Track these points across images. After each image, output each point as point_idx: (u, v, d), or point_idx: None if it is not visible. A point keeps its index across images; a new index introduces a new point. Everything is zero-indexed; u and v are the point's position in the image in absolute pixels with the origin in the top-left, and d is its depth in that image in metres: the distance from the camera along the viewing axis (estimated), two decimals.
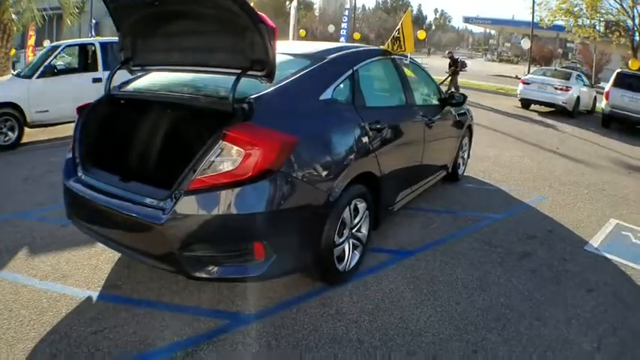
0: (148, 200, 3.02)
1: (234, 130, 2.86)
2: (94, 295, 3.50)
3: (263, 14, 3.02)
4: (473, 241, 4.81)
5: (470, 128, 6.97)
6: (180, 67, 3.69)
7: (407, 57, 5.10)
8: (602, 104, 15.50)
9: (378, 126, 3.94)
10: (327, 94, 3.59)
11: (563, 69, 22.38)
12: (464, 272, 4.11)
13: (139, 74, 4.10)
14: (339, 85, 3.74)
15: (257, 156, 2.83)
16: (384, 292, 3.68)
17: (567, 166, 8.86)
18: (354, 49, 4.42)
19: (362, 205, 3.78)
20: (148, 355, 2.84)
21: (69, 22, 14.24)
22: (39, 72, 8.44)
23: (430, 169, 5.47)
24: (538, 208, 6.08)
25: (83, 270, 3.84)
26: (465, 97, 5.93)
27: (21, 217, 4.89)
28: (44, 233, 4.50)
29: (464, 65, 15.58)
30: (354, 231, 3.75)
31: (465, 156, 7.03)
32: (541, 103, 16.50)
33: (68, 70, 9.34)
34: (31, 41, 20.09)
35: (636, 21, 22.92)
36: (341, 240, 3.55)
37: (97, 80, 8.93)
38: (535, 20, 27.74)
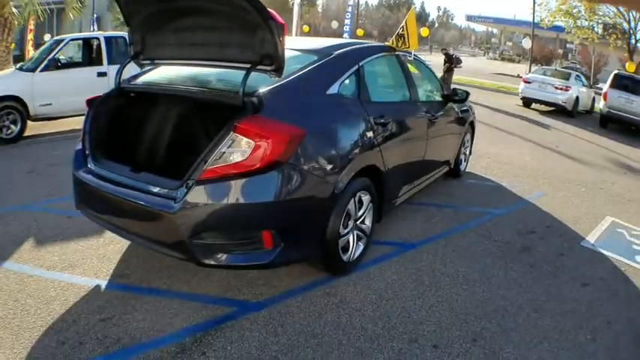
0: (160, 190, 3.10)
1: (244, 123, 2.95)
2: (103, 284, 3.56)
3: (272, 11, 3.10)
4: (474, 235, 4.89)
5: (472, 125, 7.04)
6: (189, 62, 3.76)
7: (411, 54, 5.18)
8: (600, 105, 15.64)
9: (382, 120, 4.01)
10: (333, 89, 3.67)
11: (563, 69, 22.49)
12: (465, 265, 4.19)
13: (148, 68, 4.16)
14: (345, 80, 3.82)
15: (266, 148, 2.91)
16: (387, 282, 3.77)
17: (566, 165, 8.96)
18: (359, 46, 4.50)
19: (366, 198, 3.86)
20: (158, 341, 2.91)
21: (71, 16, 14.26)
22: (42, 65, 8.47)
23: (432, 164, 5.55)
24: (537, 204, 6.17)
25: (91, 260, 3.90)
26: (467, 93, 6.00)
27: (26, 209, 4.94)
28: (50, 224, 4.55)
29: (459, 62, 15.64)
30: (358, 223, 3.83)
31: (467, 152, 7.09)
32: (542, 102, 16.61)
33: (72, 64, 9.40)
34: (31, 35, 20.08)
35: (632, 24, 23.24)
36: (346, 231, 3.63)
37: (101, 74, 8.99)
38: (536, 20, 27.81)
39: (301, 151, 3.11)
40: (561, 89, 15.94)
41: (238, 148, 2.94)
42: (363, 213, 3.88)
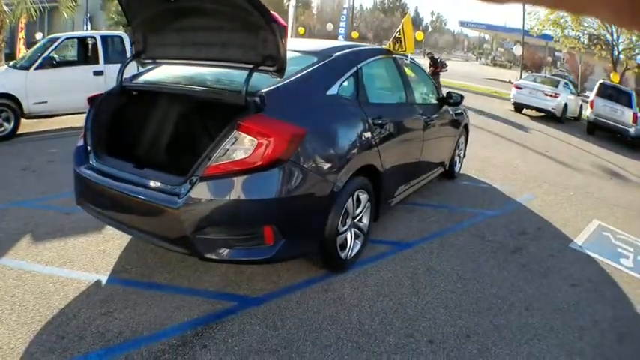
0: (163, 186, 3.15)
1: (247, 121, 3.02)
2: (103, 278, 3.60)
3: (274, 13, 3.17)
4: (468, 235, 5.00)
5: (466, 128, 7.16)
6: (191, 62, 3.82)
7: (407, 57, 5.27)
8: (587, 112, 15.95)
9: (380, 121, 4.10)
10: (333, 90, 3.75)
11: (553, 76, 22.76)
12: (459, 264, 4.28)
13: (149, 67, 4.22)
14: (344, 81, 3.90)
15: (269, 146, 2.98)
16: (383, 280, 3.85)
17: (555, 169, 9.14)
18: (358, 48, 4.59)
19: (364, 197, 3.94)
20: (159, 334, 2.96)
21: (65, 15, 14.22)
22: (37, 63, 8.42)
23: (428, 165, 5.64)
24: (528, 206, 6.29)
25: (91, 255, 3.93)
26: (462, 97, 6.10)
27: (22, 206, 4.94)
28: (48, 221, 4.57)
29: (444, 65, 15.75)
30: (356, 221, 3.90)
31: (461, 154, 7.21)
32: (532, 108, 16.83)
33: (68, 63, 9.34)
34: (22, 34, 20.00)
35: (614, 36, 23.48)
36: (344, 229, 3.71)
37: (98, 73, 8.99)
38: (526, 28, 28.16)
39: (302, 149, 3.18)
40: (551, 96, 16.20)
41: (241, 146, 3.00)
42: (361, 212, 3.96)
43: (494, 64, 69.29)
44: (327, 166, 3.41)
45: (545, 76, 21.27)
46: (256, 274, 3.72)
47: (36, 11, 13.42)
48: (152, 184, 3.21)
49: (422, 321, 3.34)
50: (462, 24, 78.19)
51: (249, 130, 3.00)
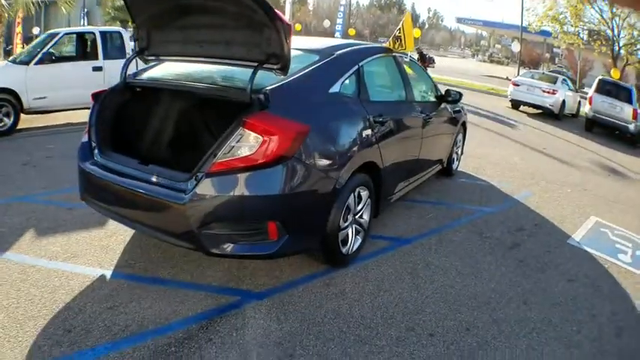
0: (169, 182, 3.20)
1: (253, 118, 3.07)
2: (107, 273, 3.64)
3: (279, 12, 3.21)
4: (466, 231, 5.06)
5: (464, 125, 7.21)
6: (195, 59, 3.86)
7: (407, 55, 5.32)
8: (585, 109, 16.00)
9: (381, 119, 4.14)
10: (335, 88, 3.81)
11: (550, 73, 22.81)
12: (457, 259, 4.35)
13: (152, 64, 4.25)
14: (346, 79, 3.95)
15: (273, 143, 3.04)
16: (383, 275, 3.91)
17: (553, 166, 9.20)
18: (359, 46, 4.64)
19: (365, 193, 4.00)
20: (165, 328, 3.01)
21: (64, 10, 14.22)
22: (37, 59, 8.44)
23: (426, 163, 5.69)
24: (526, 203, 6.35)
25: (94, 250, 3.97)
26: (460, 94, 6.14)
27: (24, 201, 4.97)
28: (50, 216, 4.60)
29: (432, 61, 15.80)
30: (357, 217, 3.96)
31: (459, 152, 7.26)
32: (530, 105, 16.86)
33: (67, 58, 9.34)
34: (19, 29, 19.99)
35: (615, 31, 23.48)
36: (345, 224, 3.76)
37: (97, 69, 9.01)
38: (524, 25, 28.15)
39: (306, 146, 3.24)
40: (549, 92, 16.21)
41: (247, 143, 3.05)
42: (362, 208, 4.01)
43: (492, 61, 69.29)
44: (329, 162, 3.47)
45: (543, 73, 21.40)
46: (258, 269, 3.77)
47: (34, 5, 13.36)
48: (158, 179, 3.25)
49: (422, 315, 3.40)
50: (459, 20, 78.25)
51: (255, 128, 3.05)
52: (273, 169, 3.07)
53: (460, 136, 7.07)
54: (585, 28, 25.22)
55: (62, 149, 7.14)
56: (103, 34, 9.39)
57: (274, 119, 3.14)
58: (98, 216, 4.35)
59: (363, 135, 3.88)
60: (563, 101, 16.54)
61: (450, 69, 29.25)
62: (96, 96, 3.97)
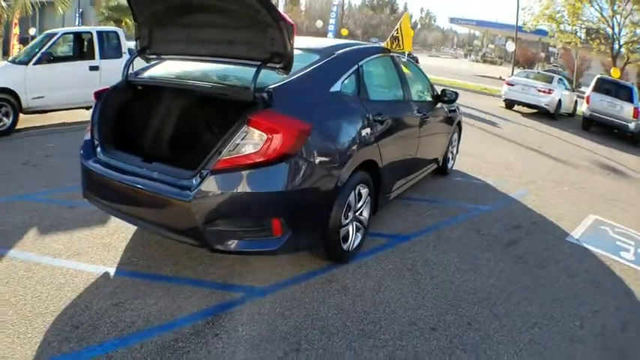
0: (174, 179, 3.24)
1: (258, 116, 3.12)
2: (111, 271, 3.67)
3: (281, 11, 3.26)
4: (463, 228, 5.12)
5: (459, 125, 7.28)
6: (197, 58, 3.90)
7: (404, 55, 5.38)
8: (582, 108, 16.01)
9: (380, 118, 4.20)
10: (336, 87, 3.86)
11: (546, 72, 22.82)
12: (456, 256, 4.40)
13: (153, 62, 4.28)
14: (346, 79, 4.01)
15: (278, 140, 3.09)
16: (384, 271, 3.96)
17: (549, 165, 9.26)
18: (357, 46, 4.70)
19: (364, 191, 4.05)
20: (171, 324, 3.05)
21: (61, 10, 14.24)
22: (36, 58, 8.45)
23: (423, 161, 5.76)
24: (522, 201, 6.41)
25: (97, 248, 4.00)
26: (456, 94, 6.21)
27: (26, 199, 4.99)
28: (52, 214, 4.62)
29: (415, 61, 15.81)
30: (357, 214, 4.01)
31: (454, 151, 7.32)
32: (524, 104, 16.89)
33: (65, 58, 9.36)
34: (16, 30, 19.95)
35: (616, 30, 23.47)
36: (346, 221, 3.81)
37: (93, 68, 9.03)
38: (519, 24, 28.19)
39: (308, 144, 3.29)
40: (544, 92, 16.24)
41: (251, 141, 3.10)
42: (362, 205, 4.06)
43: (485, 61, 69.35)
44: (331, 160, 3.53)
45: (538, 72, 21.40)
46: (260, 266, 3.81)
47: (33, 6, 13.38)
48: (162, 177, 3.29)
49: (424, 310, 3.45)
50: (453, 20, 78.40)
51: (259, 125, 3.10)
52: (277, 167, 3.12)
53: (455, 136, 7.14)
54: (583, 26, 25.25)
55: (61, 148, 7.15)
56: (100, 33, 9.41)
57: (278, 117, 3.19)
58: (99, 214, 4.39)
59: (363, 133, 3.94)
60: (559, 100, 16.58)
61: (442, 69, 29.33)
62: (98, 94, 4.01)
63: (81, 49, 9.49)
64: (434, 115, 5.83)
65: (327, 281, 3.70)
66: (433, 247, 4.53)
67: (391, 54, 5.14)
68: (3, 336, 2.84)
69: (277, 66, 3.35)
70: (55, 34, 9.09)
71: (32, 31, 22.40)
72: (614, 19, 23.28)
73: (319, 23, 44.56)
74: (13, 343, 2.78)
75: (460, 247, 4.61)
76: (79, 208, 4.65)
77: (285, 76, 3.46)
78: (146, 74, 4.14)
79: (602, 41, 24.13)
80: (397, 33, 5.24)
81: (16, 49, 17.71)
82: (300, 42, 4.54)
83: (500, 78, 32.94)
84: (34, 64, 8.42)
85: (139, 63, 4.20)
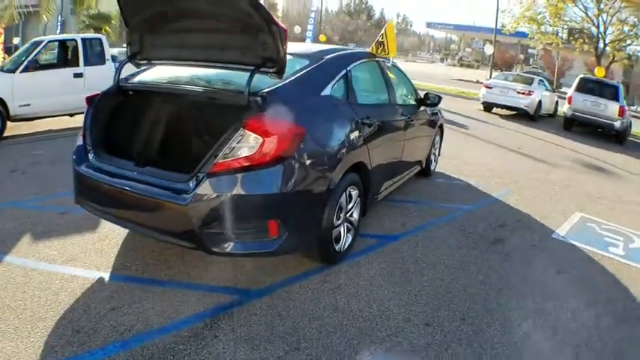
0: (169, 183, 3.28)
1: (253, 120, 3.19)
2: (105, 276, 3.70)
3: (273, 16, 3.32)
4: (449, 228, 5.23)
5: (441, 127, 7.41)
6: (188, 63, 3.94)
7: (389, 60, 5.48)
8: (564, 108, 16.12)
9: (368, 121, 4.30)
10: (326, 91, 3.95)
11: (526, 74, 22.97)
12: (444, 254, 4.51)
13: (144, 68, 4.31)
14: (335, 83, 4.09)
15: (273, 143, 3.16)
16: (375, 270, 4.05)
17: (531, 165, 9.41)
18: (345, 51, 4.80)
19: (355, 192, 4.14)
20: (170, 327, 3.08)
21: (45, 18, 14.19)
22: (23, 66, 8.44)
23: (408, 163, 5.88)
24: (505, 201, 6.54)
25: (90, 253, 4.02)
26: (439, 98, 6.33)
27: (16, 206, 4.98)
28: (44, 220, 4.63)
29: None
30: (347, 215, 4.09)
31: (437, 153, 7.44)
32: (503, 107, 16.91)
33: (50, 65, 9.33)
34: (1, 39, 19.77)
35: (601, 29, 23.61)
36: (338, 222, 3.89)
37: (77, 75, 9.02)
38: (498, 26, 28.38)
39: (302, 147, 3.37)
40: (524, 94, 16.29)
41: (247, 144, 3.17)
42: (352, 206, 4.15)
43: (461, 65, 69.62)
44: (324, 163, 3.61)
45: (518, 74, 21.58)
46: (254, 268, 3.87)
47: (20, 16, 13.31)
48: (157, 181, 3.33)
49: (417, 306, 3.54)
50: (429, 25, 79.06)
51: (255, 129, 3.16)
52: (273, 169, 3.20)
53: (437, 138, 7.26)
54: (565, 27, 25.40)
55: (49, 155, 7.14)
56: (84, 41, 9.40)
57: (273, 121, 3.26)
58: (90, 220, 4.41)
59: (353, 136, 4.03)
60: (540, 102, 16.66)
61: (418, 73, 29.39)
62: (90, 100, 4.02)
63: (65, 56, 9.47)
64: (418, 119, 5.95)
65: (321, 281, 3.77)
66: (421, 247, 4.63)
67: (377, 59, 5.25)
68: (7, 340, 2.87)
69: (270, 70, 3.41)
70: (42, 41, 9.09)
71: (16, 40, 22.25)
72: (600, 18, 23.41)
73: (297, 29, 44.56)
74: (18, 347, 2.80)
75: (447, 246, 4.71)
76: (70, 214, 4.67)
77: (277, 80, 3.52)
78: (137, 79, 4.18)
79: (586, 41, 24.29)
80: (382, 38, 5.33)
81: (0, 58, 17.56)
82: (289, 47, 4.63)
83: (477, 81, 33.15)
84: (21, 71, 8.40)
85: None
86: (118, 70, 4.08)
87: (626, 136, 15.54)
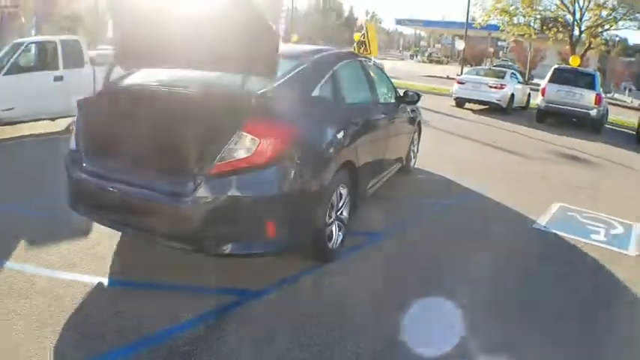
0: (167, 186, 3.33)
1: (250, 122, 3.27)
2: (104, 280, 3.74)
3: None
4: (432, 222, 5.45)
5: (419, 124, 7.58)
6: (179, 65, 3.96)
7: (371, 59, 5.61)
8: (537, 100, 16.22)
9: (354, 120, 4.45)
10: (316, 92, 4.07)
11: (498, 68, 23.01)
12: (431, 247, 4.72)
13: (133, 70, 4.29)
14: (324, 83, 4.21)
15: (269, 145, 3.26)
16: (367, 265, 4.21)
17: (507, 158, 9.64)
18: (330, 52, 4.91)
19: (344, 191, 4.27)
20: (173, 329, 3.13)
21: (23, 20, 14.00)
22: (5, 69, 8.30)
23: (391, 160, 6.05)
24: (484, 194, 6.74)
25: (86, 258, 4.02)
26: (419, 95, 6.48)
27: (6, 211, 4.94)
28: (37, 225, 4.64)
29: None
30: (338, 213, 4.21)
31: (415, 150, 7.60)
32: (476, 102, 17.11)
33: (30, 68, 9.13)
34: None
35: (577, 15, 23.81)
36: (330, 221, 4.02)
37: (58, 79, 8.90)
38: (469, 21, 28.49)
39: (297, 148, 3.48)
40: (496, 88, 16.50)
41: (244, 146, 3.25)
42: (342, 205, 4.28)
43: (431, 61, 70.06)
44: (317, 162, 3.74)
45: (489, 69, 21.78)
46: (251, 268, 3.95)
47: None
48: (155, 184, 3.37)
49: (412, 299, 3.68)
50: (399, 22, 78.95)
51: (251, 131, 3.25)
52: (270, 170, 3.30)
53: (416, 135, 7.43)
54: (539, 16, 25.44)
55: (35, 159, 7.13)
56: (63, 42, 9.24)
57: (268, 122, 3.36)
58: (81, 224, 4.40)
59: (342, 136, 4.14)
60: (512, 95, 16.88)
61: (389, 71, 29.61)
62: (80, 103, 4.01)
63: (45, 58, 9.28)
64: (399, 116, 6.13)
65: (316, 279, 3.89)
66: (407, 241, 4.82)
67: (359, 58, 5.37)
68: (17, 346, 2.90)
69: (263, 73, 3.48)
70: (22, 43, 8.98)
71: None
72: (576, 4, 23.51)
73: None
74: (29, 352, 2.83)
75: (433, 240, 4.91)
76: (60, 218, 4.60)
77: (269, 81, 3.58)
78: (127, 81, 4.16)
79: (560, 29, 24.39)
80: (364, 38, 5.47)
81: None
82: None
83: (447, 77, 33.42)
84: (4, 75, 8.26)
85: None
86: (108, 72, 4.09)
87: (602, 125, 15.73)
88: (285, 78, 3.85)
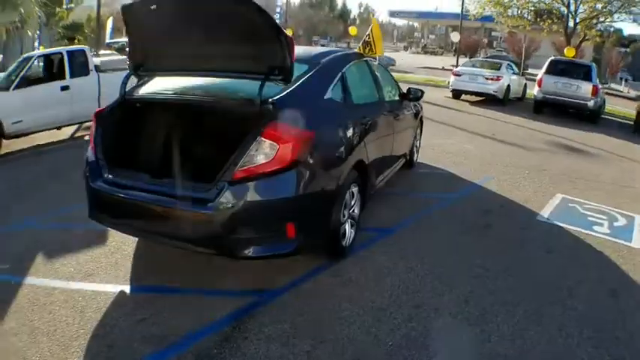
0: (191, 193, 3.45)
1: (268, 127, 3.40)
2: (126, 288, 3.83)
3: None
4: (439, 216, 5.56)
5: (421, 119, 7.67)
6: (194, 73, 4.06)
7: (376, 59, 5.71)
8: (534, 91, 16.23)
9: (363, 120, 4.56)
10: (328, 94, 4.19)
11: (494, 59, 22.84)
12: (439, 241, 4.83)
13: (146, 79, 4.39)
14: (334, 86, 4.32)
15: (288, 149, 3.39)
16: (379, 261, 4.31)
17: (506, 150, 9.68)
18: (337, 53, 5.02)
19: (356, 189, 4.39)
20: (199, 333, 3.21)
21: (29, 33, 14.08)
22: (15, 83, 8.40)
23: (396, 156, 6.17)
24: (487, 187, 6.85)
25: (105, 267, 4.11)
26: (422, 92, 6.59)
27: (24, 227, 5.02)
28: (53, 238, 4.69)
29: None
30: (351, 211, 4.34)
31: (418, 144, 7.68)
32: (472, 93, 17.13)
33: (38, 80, 9.20)
34: None
35: (572, 7, 23.73)
36: (344, 219, 4.15)
37: (64, 88, 9.01)
38: (463, 13, 28.39)
39: (313, 151, 3.61)
40: (492, 79, 16.50)
41: (264, 151, 3.38)
42: (354, 202, 4.40)
43: (425, 52, 69.88)
44: (332, 164, 3.89)
45: (485, 60, 21.72)
46: (267, 269, 4.05)
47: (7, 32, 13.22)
48: (178, 191, 3.49)
49: (423, 293, 3.82)
50: (392, 14, 78.90)
51: (271, 136, 3.38)
52: (289, 174, 3.43)
53: (419, 130, 7.52)
54: (533, 8, 25.41)
55: (45, 171, 7.23)
56: (69, 53, 9.38)
57: (286, 127, 3.48)
58: (97, 234, 4.50)
59: (354, 136, 4.27)
60: (508, 86, 16.91)
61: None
62: (97, 115, 4.11)
63: (52, 70, 9.40)
64: (403, 113, 6.24)
65: (332, 276, 4.01)
66: (417, 236, 4.92)
67: (365, 58, 5.47)
68: None
69: (277, 78, 3.60)
70: (31, 57, 9.14)
71: None
72: None
73: None
74: None
75: (441, 234, 5.02)
76: (77, 229, 4.72)
77: (284, 86, 3.71)
78: (142, 91, 4.26)
79: (555, 21, 24.32)
80: (369, 38, 5.56)
81: None
82: None
83: (443, 68, 33.37)
84: (14, 88, 8.37)
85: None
86: (124, 82, 4.14)
87: (599, 115, 15.79)
88: (299, 82, 3.95)
